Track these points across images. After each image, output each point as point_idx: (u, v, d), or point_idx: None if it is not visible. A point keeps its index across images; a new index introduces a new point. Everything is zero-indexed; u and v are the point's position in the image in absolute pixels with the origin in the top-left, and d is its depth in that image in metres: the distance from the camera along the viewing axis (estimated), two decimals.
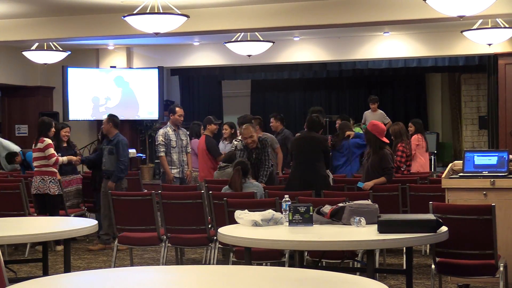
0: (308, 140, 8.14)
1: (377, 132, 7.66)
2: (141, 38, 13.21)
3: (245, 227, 5.06)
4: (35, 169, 9.08)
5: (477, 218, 5.20)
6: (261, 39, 11.91)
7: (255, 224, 5.04)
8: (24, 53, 12.26)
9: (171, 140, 9.71)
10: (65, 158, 9.27)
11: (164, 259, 7.11)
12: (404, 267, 6.52)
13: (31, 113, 15.21)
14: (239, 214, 5.20)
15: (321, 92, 19.26)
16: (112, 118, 9.41)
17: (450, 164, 6.57)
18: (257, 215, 5.10)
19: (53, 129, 9.21)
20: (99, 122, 15.09)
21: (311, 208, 5.04)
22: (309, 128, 8.35)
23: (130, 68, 15.39)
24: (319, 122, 8.37)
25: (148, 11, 8.81)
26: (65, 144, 10.00)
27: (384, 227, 4.62)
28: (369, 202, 5.36)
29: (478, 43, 11.64)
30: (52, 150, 8.95)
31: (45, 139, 8.97)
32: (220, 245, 6.90)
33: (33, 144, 9.11)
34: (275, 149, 9.73)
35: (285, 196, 5.53)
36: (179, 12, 8.89)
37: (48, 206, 8.92)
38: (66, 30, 11.31)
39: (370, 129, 7.74)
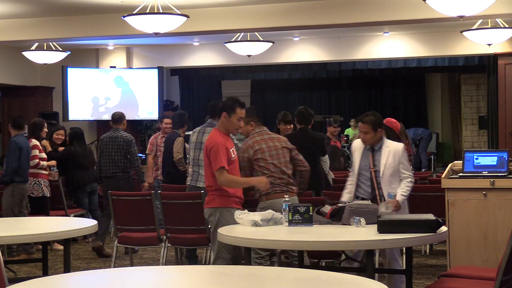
0: (303, 137, 7.76)
1: (396, 128, 7.28)
2: (141, 38, 13.20)
3: (245, 227, 5.07)
4: None
5: None
6: (261, 39, 11.90)
7: (255, 224, 5.04)
8: (24, 53, 12.24)
9: None
10: (45, 163, 8.90)
11: (164, 259, 7.11)
12: (404, 267, 6.52)
13: (31, 113, 15.16)
14: (238, 214, 5.21)
15: (321, 92, 19.27)
16: (13, 118, 8.79)
17: (450, 164, 6.56)
18: (257, 215, 5.10)
19: (45, 129, 9.11)
20: (99, 122, 15.11)
21: (311, 208, 5.04)
22: (301, 122, 7.99)
23: (130, 68, 15.39)
24: (308, 113, 8.01)
25: (148, 11, 8.80)
26: (61, 148, 9.89)
27: (384, 227, 4.62)
28: (369, 202, 5.36)
29: (478, 43, 11.64)
30: (35, 152, 8.75)
31: (32, 140, 8.91)
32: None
33: None
34: None
35: (285, 196, 5.54)
36: (179, 12, 8.89)
37: (34, 208, 8.82)
38: (66, 30, 11.29)
39: (389, 126, 7.12)
